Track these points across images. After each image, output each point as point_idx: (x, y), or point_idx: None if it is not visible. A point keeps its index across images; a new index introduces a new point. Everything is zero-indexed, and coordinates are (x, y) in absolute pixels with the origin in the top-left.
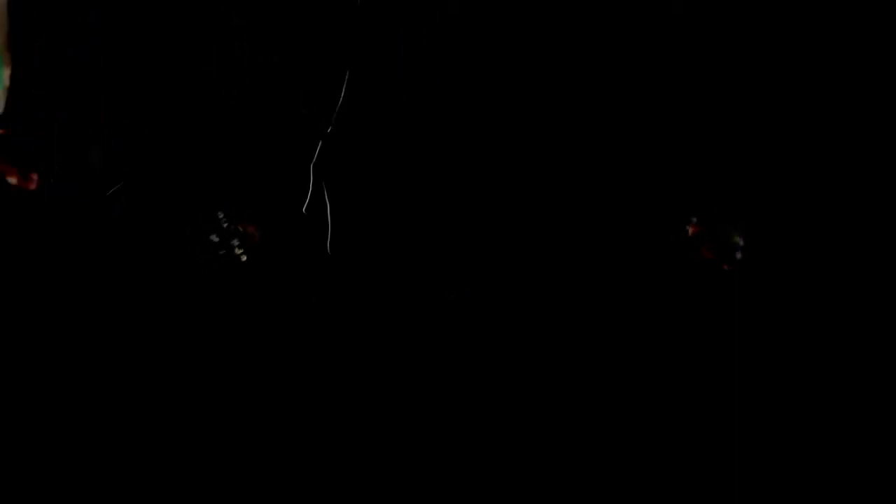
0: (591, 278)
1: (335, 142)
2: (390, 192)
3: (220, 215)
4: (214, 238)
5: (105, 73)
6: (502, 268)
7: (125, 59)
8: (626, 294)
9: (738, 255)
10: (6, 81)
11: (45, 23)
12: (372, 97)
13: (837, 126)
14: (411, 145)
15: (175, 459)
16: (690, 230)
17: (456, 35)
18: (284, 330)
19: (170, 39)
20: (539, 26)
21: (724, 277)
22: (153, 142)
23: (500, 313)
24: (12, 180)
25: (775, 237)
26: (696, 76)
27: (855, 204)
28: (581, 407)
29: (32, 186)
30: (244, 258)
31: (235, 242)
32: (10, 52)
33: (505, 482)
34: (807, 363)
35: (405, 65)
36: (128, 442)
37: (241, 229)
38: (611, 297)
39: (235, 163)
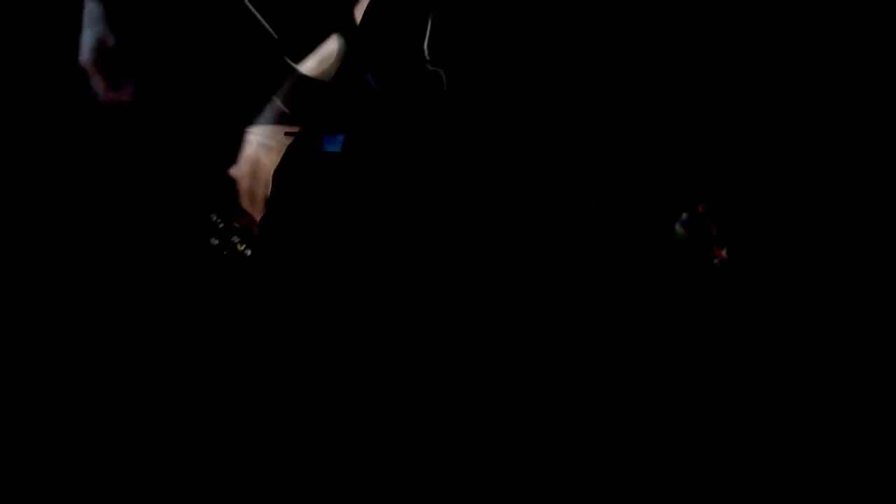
0: (590, 278)
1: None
2: (390, 192)
3: (214, 217)
4: (214, 241)
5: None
6: (502, 269)
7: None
8: (624, 294)
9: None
10: None
11: None
12: (371, 97)
13: (834, 127)
14: (411, 145)
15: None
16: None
17: (455, 35)
18: (283, 330)
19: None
20: (539, 26)
21: (716, 273)
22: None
23: (501, 315)
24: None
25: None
26: (696, 77)
27: (850, 203)
28: (579, 407)
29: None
30: (248, 252)
31: (236, 239)
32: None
33: (504, 483)
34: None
35: (404, 64)
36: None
37: (236, 225)
38: (609, 296)
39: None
